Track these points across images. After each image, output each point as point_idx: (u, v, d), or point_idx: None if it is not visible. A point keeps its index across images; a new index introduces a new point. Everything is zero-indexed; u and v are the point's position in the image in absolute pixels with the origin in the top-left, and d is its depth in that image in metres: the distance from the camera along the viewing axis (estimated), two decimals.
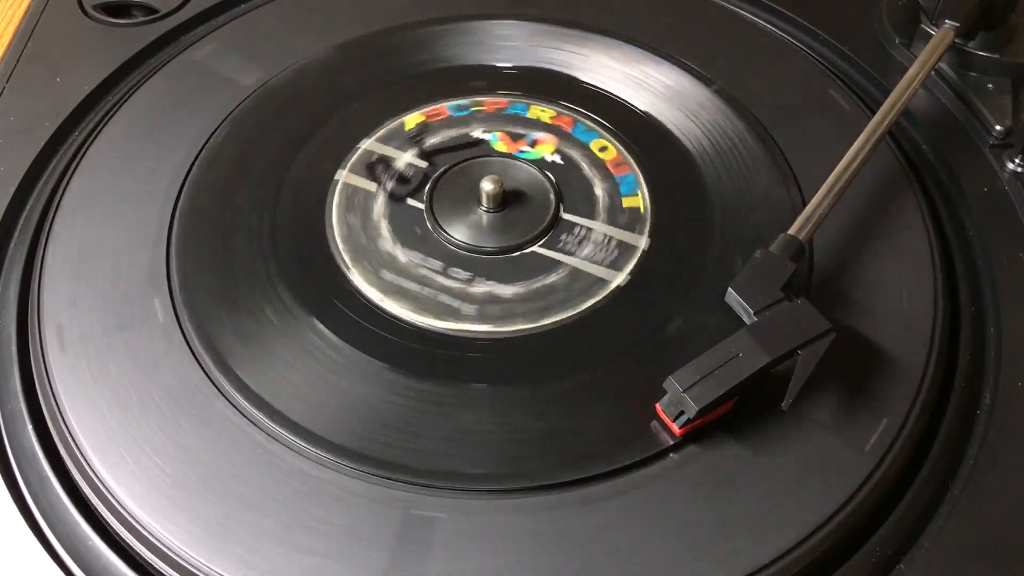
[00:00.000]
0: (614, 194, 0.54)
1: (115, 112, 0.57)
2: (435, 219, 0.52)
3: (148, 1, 0.64)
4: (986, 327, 0.49)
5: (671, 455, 0.43)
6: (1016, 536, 0.42)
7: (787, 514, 0.41)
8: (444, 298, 0.49)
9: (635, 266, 0.50)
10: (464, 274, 0.50)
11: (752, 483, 0.42)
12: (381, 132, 0.56)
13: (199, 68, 0.59)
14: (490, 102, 0.58)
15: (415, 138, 0.56)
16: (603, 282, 0.50)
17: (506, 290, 0.50)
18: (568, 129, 0.57)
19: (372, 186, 0.54)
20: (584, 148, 0.56)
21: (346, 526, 0.41)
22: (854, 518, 0.41)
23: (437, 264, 0.51)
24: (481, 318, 0.48)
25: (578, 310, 0.49)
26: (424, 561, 0.40)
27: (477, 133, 0.56)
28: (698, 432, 0.43)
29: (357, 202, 0.53)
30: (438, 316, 0.48)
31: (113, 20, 0.63)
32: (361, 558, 0.40)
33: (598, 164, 0.55)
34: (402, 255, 0.51)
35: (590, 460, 0.43)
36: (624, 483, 0.42)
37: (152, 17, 0.63)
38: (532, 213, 0.53)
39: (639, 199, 0.53)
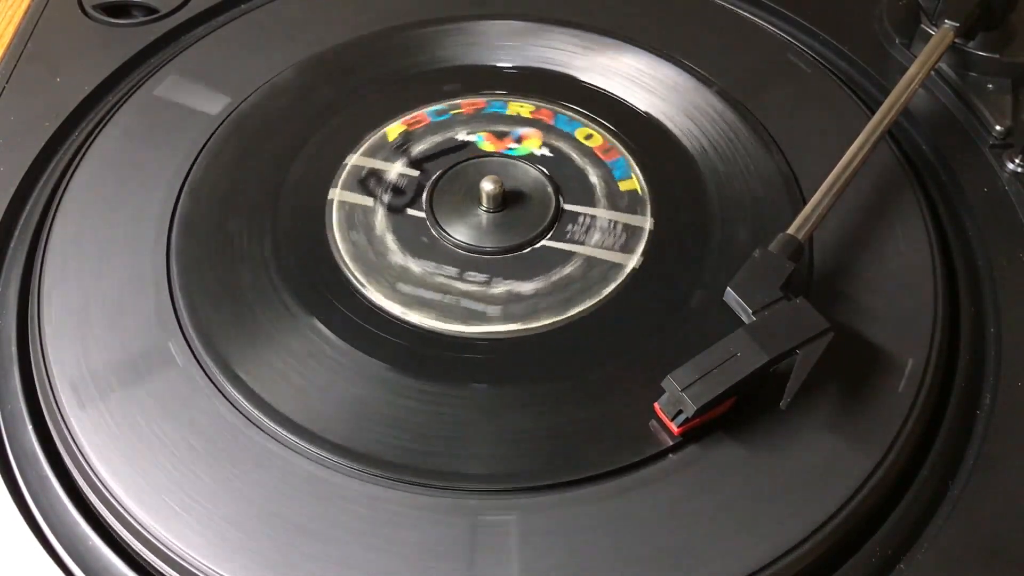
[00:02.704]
0: (615, 194, 0.54)
1: (115, 112, 0.57)
2: (438, 224, 0.52)
3: (148, 1, 0.64)
4: (986, 327, 0.49)
5: (669, 455, 0.43)
6: (1016, 536, 0.42)
7: (786, 514, 0.41)
8: (464, 302, 0.49)
9: (635, 265, 0.50)
10: (479, 276, 0.50)
11: (751, 482, 0.42)
12: (365, 145, 0.56)
13: (199, 69, 0.59)
14: (467, 103, 0.58)
15: (401, 147, 0.56)
16: (604, 281, 0.50)
17: (525, 287, 0.50)
18: (550, 121, 0.57)
19: (369, 200, 0.53)
20: (570, 138, 0.56)
21: (353, 529, 0.41)
22: (854, 518, 0.41)
23: (449, 269, 0.50)
24: (501, 318, 0.48)
25: (579, 308, 0.49)
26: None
27: (462, 136, 0.56)
28: (697, 431, 0.43)
29: (357, 218, 0.53)
30: (457, 320, 0.48)
31: (113, 20, 0.63)
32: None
33: (588, 155, 0.55)
34: (413, 264, 0.51)
35: (587, 460, 0.43)
36: (621, 483, 0.42)
37: (152, 17, 0.63)
38: (533, 209, 0.53)
39: (640, 198, 0.53)
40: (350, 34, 0.61)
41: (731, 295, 0.44)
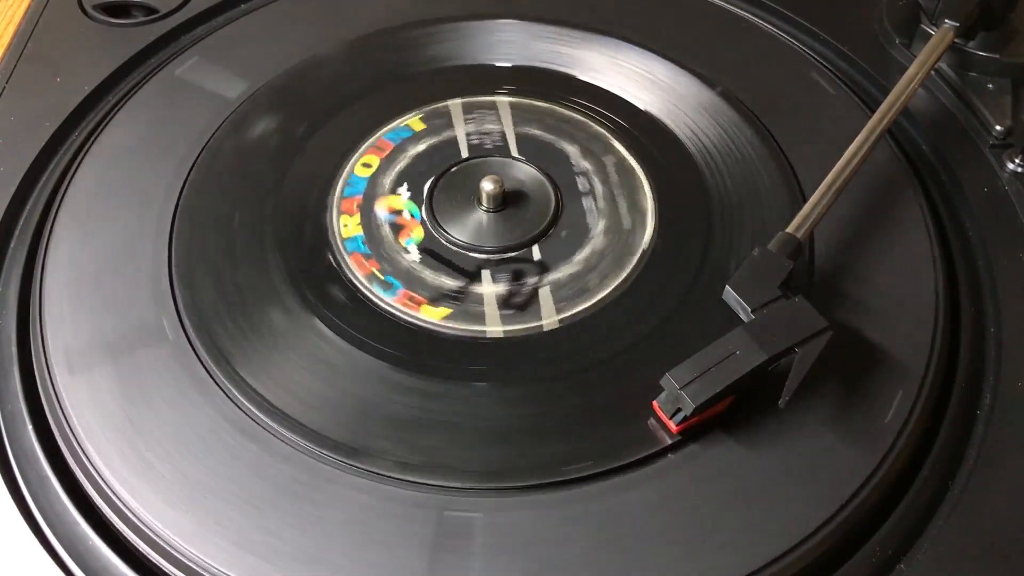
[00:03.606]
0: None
1: (115, 112, 0.57)
2: (438, 224, 0.52)
3: (148, 1, 0.64)
4: (986, 327, 0.49)
5: (668, 454, 0.43)
6: (1016, 536, 0.42)
7: (786, 513, 0.41)
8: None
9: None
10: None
11: (750, 482, 0.42)
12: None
13: (199, 69, 0.59)
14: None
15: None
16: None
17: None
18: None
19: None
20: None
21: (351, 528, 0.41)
22: (854, 518, 0.41)
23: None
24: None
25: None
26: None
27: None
28: (695, 430, 0.43)
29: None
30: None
31: (113, 20, 0.63)
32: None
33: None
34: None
35: (586, 458, 0.42)
36: (620, 482, 0.42)
37: (152, 17, 0.63)
38: (533, 212, 0.53)
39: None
40: (349, 34, 0.61)
41: (730, 293, 0.44)
